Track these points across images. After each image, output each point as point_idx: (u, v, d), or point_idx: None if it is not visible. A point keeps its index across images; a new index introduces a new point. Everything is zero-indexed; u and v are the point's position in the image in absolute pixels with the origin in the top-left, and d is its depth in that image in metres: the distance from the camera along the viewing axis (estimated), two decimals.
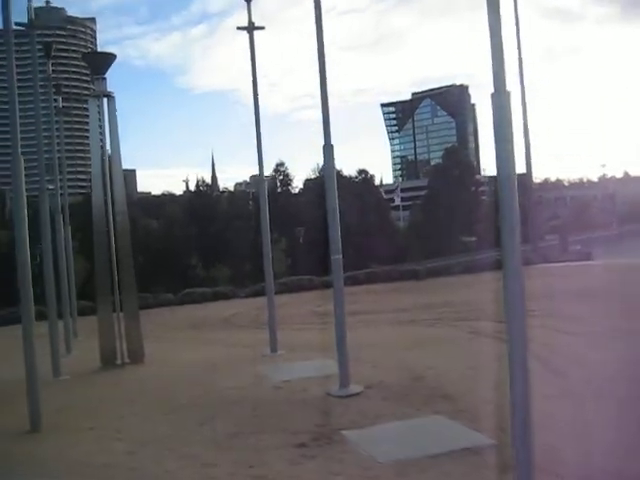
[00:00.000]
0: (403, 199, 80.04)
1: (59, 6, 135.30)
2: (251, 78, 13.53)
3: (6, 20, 8.58)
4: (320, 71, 9.44)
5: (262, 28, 13.24)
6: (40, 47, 14.52)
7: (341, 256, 9.54)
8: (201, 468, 6.74)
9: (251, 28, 13.11)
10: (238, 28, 13.16)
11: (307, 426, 7.86)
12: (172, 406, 9.61)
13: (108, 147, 13.91)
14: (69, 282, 18.30)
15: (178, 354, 14.92)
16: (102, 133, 13.92)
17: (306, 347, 13.74)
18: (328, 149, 9.62)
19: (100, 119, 13.67)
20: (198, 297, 32.05)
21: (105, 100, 13.52)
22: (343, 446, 7.10)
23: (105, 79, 13.40)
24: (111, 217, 13.70)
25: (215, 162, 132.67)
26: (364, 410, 8.45)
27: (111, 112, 13.57)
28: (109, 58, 13.54)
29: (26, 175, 13.04)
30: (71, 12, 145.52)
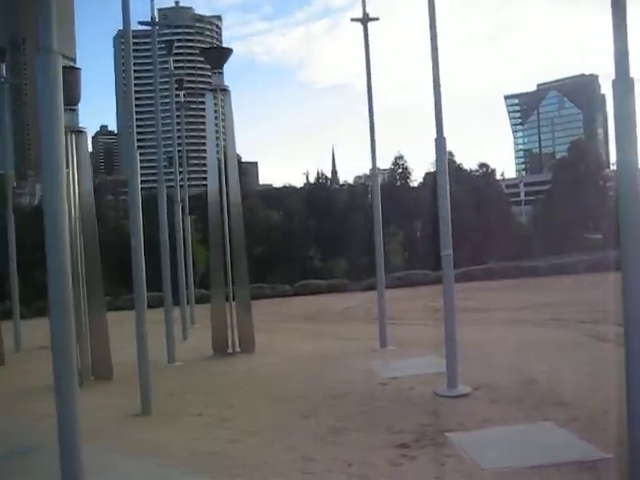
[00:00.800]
0: (526, 193, 77.42)
1: (187, 5, 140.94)
2: (365, 70, 13.36)
3: (126, 20, 8.89)
4: (433, 60, 9.15)
5: (376, 19, 13.03)
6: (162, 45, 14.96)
7: (451, 252, 9.21)
8: (300, 461, 6.69)
9: (365, 20, 12.94)
10: (352, 20, 13.03)
11: (411, 426, 7.65)
12: (278, 397, 9.67)
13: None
14: (186, 271, 18.88)
15: (289, 345, 15.05)
16: (218, 126, 14.22)
17: (417, 343, 13.48)
18: (440, 142, 9.32)
19: (217, 112, 13.98)
20: (313, 289, 32.43)
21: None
22: (446, 449, 6.83)
23: (222, 73, 13.68)
24: (226, 209, 13.96)
25: (336, 155, 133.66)
26: (471, 412, 8.12)
27: (227, 106, 13.85)
28: (225, 53, 13.82)
29: (154, 167, 13.55)
30: (199, 10, 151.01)
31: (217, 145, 14.08)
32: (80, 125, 11.87)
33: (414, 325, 16.78)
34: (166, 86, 18.35)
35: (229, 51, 13.83)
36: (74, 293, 11.43)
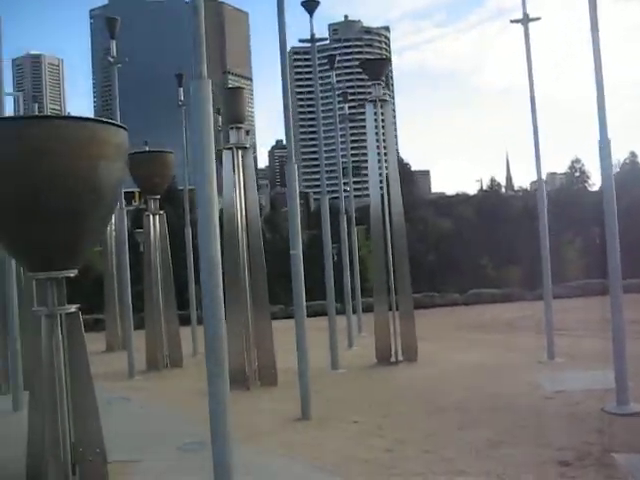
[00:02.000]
0: None
1: (356, 19, 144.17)
2: (527, 72, 12.91)
3: (282, 37, 9.26)
4: (595, 57, 8.68)
5: (537, 19, 12.56)
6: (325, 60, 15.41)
7: (618, 263, 8.65)
8: (452, 474, 6.60)
9: (526, 20, 12.52)
10: (512, 21, 12.66)
11: (574, 443, 7.29)
12: (436, 407, 9.58)
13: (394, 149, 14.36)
14: (353, 280, 19.19)
15: (452, 355, 14.83)
16: (379, 137, 14.36)
17: (587, 356, 12.77)
18: (604, 143, 8.79)
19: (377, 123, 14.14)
20: (484, 298, 31.70)
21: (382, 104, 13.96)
22: (611, 470, 6.43)
23: (380, 84, 13.86)
24: (387, 219, 14.08)
25: (511, 160, 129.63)
26: None
27: (387, 116, 14.00)
28: (384, 64, 14.00)
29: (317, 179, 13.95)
30: (368, 23, 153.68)
31: (378, 155, 14.23)
32: (246, 142, 12.51)
33: (587, 337, 15.85)
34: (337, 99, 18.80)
35: (387, 62, 14.02)
36: (240, 302, 12.14)
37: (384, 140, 14.09)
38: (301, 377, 9.29)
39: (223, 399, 5.01)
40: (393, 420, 9.05)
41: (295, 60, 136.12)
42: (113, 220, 18.67)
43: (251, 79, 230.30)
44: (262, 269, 12.41)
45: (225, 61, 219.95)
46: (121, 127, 7.03)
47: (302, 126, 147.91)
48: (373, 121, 14.02)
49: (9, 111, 20.17)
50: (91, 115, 17.56)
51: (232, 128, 12.23)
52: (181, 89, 17.58)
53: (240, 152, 12.31)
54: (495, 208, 57.62)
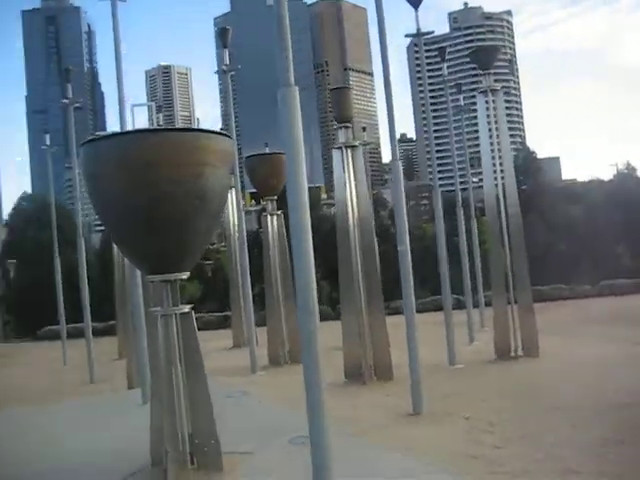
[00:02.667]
0: None
1: (476, 5, 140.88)
2: None
3: (382, 30, 9.30)
4: None
5: None
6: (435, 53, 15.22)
7: None
8: (562, 473, 6.43)
9: None
10: None
11: None
12: (553, 405, 9.31)
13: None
14: (474, 273, 18.84)
15: (577, 350, 14.27)
16: (491, 127, 14.06)
17: None
18: None
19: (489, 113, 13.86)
20: (619, 289, 30.15)
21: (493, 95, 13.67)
22: None
23: (491, 74, 13.57)
24: (503, 211, 13.79)
25: None
26: None
27: (498, 107, 13.68)
28: (493, 52, 13.68)
29: (443, 171, 13.93)
30: (490, 9, 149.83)
31: (492, 146, 13.94)
32: (355, 141, 12.65)
33: None
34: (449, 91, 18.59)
35: (496, 50, 13.68)
36: (354, 299, 12.31)
37: (496, 129, 13.78)
38: (412, 373, 9.31)
39: (319, 392, 5.16)
40: (506, 417, 8.89)
41: (416, 52, 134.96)
42: (236, 221, 19.42)
43: (372, 74, 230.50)
44: (374, 264, 12.52)
45: (345, 58, 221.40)
46: (225, 135, 7.40)
47: (424, 119, 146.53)
48: (485, 112, 13.75)
49: (145, 120, 21.54)
50: (218, 121, 18.25)
51: (340, 128, 12.42)
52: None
53: (349, 151, 12.47)
54: (632, 194, 54.53)
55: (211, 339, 24.34)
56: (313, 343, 5.19)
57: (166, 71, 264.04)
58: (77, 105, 16.50)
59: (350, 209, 12.39)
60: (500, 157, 13.87)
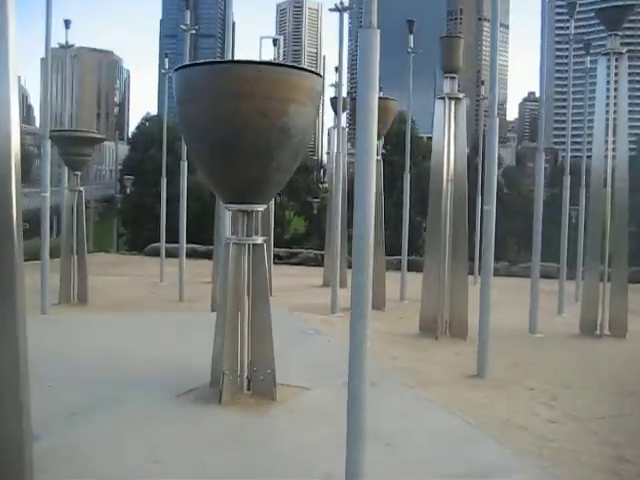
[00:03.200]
0: None
1: None
2: None
3: None
4: None
5: None
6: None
7: None
8: (612, 460, 6.23)
9: None
10: None
11: None
12: (626, 389, 8.96)
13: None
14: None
15: None
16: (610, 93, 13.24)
17: None
18: None
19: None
20: None
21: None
22: None
23: (617, 35, 12.69)
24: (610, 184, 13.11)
25: None
26: None
27: (621, 71, 12.83)
28: (624, 12, 12.72)
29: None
30: None
31: (607, 114, 13.16)
32: (460, 93, 12.27)
33: None
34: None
35: (627, 9, 12.70)
36: (438, 253, 12.16)
37: (615, 97, 12.97)
38: (480, 334, 9.18)
39: (362, 339, 5.11)
40: (572, 393, 8.65)
41: (557, 7, 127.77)
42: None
43: (508, 26, 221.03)
44: (463, 223, 12.28)
45: (481, 7, 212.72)
46: (314, 73, 7.36)
47: (558, 78, 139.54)
48: (605, 77, 12.93)
49: (270, 52, 21.73)
50: (345, 58, 18.23)
51: (446, 77, 12.06)
52: (411, 36, 17.54)
53: (453, 103, 12.13)
54: None
55: (307, 275, 24.88)
56: (365, 293, 5.08)
57: (298, 5, 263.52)
58: (192, 32, 16.79)
59: (445, 162, 12.13)
60: (614, 127, 13.05)
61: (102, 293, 17.14)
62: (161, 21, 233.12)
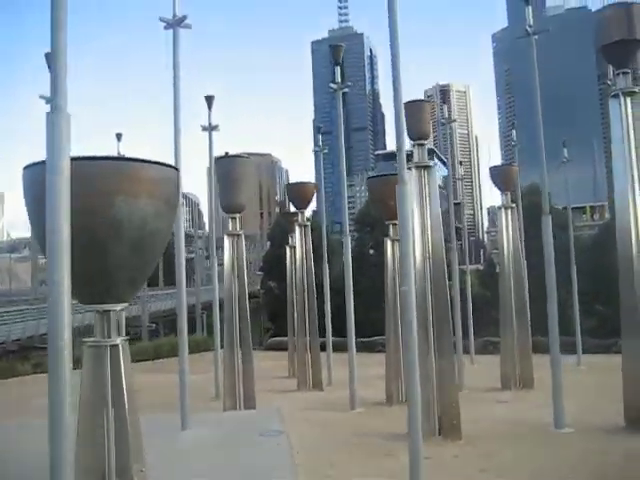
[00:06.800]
0: None
1: None
2: None
3: None
4: None
5: None
6: None
7: None
8: None
9: None
10: None
11: None
12: None
13: None
14: None
15: None
16: None
17: None
18: None
19: None
20: None
21: None
22: None
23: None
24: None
25: None
26: None
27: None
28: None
29: None
30: None
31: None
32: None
33: None
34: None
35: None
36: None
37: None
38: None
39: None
40: None
41: None
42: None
43: None
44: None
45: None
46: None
47: None
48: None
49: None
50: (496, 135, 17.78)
51: (618, 74, 11.20)
52: None
53: (628, 100, 11.10)
54: None
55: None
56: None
57: (444, 89, 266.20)
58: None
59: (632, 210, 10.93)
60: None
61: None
62: (313, 120, 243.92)
